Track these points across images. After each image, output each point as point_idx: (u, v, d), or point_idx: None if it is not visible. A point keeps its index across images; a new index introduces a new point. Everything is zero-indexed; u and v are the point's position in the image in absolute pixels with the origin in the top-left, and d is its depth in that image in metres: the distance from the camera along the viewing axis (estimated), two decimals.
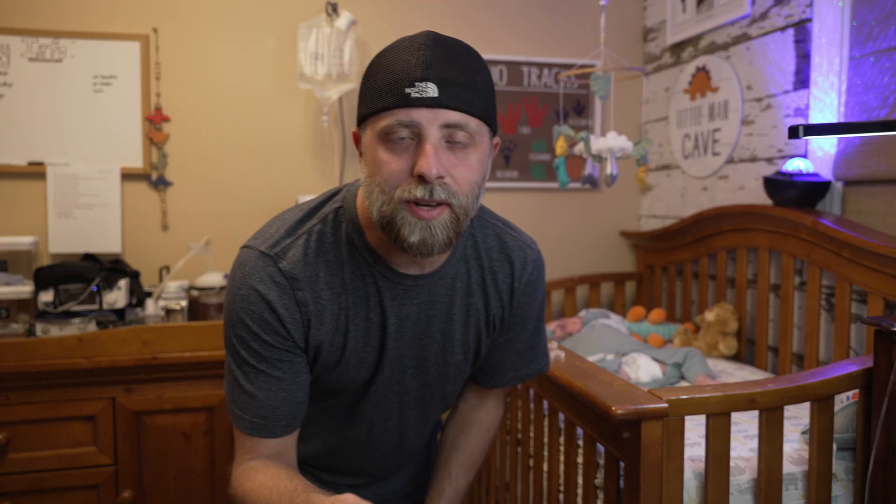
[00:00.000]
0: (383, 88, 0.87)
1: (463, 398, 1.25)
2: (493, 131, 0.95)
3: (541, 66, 2.85)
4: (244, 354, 0.97)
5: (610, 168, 1.94)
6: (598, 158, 1.97)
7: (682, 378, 2.06)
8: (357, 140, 0.97)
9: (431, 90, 0.84)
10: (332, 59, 2.41)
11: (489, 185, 2.58)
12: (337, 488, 1.12)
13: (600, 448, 1.48)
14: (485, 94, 0.90)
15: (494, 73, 2.81)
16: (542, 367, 1.21)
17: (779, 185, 2.04)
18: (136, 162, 2.47)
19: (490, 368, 1.17)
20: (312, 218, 1.01)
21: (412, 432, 1.15)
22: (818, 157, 2.03)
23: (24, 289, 2.10)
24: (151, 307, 2.18)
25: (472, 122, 0.88)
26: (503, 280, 1.08)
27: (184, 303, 2.19)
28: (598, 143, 1.93)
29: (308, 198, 2.38)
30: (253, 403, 0.98)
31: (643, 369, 2.02)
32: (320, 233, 0.99)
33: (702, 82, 2.58)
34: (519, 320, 1.13)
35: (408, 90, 0.85)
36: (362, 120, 0.92)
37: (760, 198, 2.26)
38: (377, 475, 1.20)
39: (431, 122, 0.85)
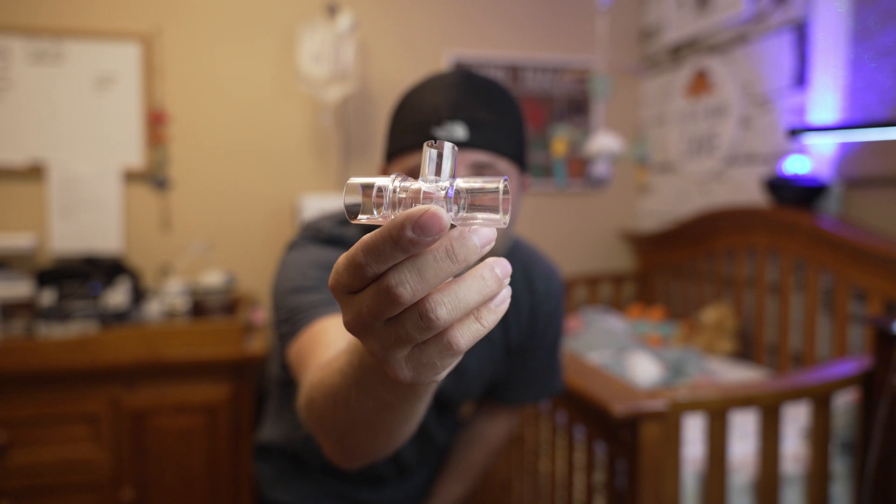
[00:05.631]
0: (411, 127, 0.87)
1: (477, 410, 1.27)
2: (523, 170, 0.95)
3: (540, 66, 2.85)
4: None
5: (604, 168, 1.95)
6: (596, 159, 1.98)
7: (681, 377, 2.06)
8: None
9: (459, 131, 0.84)
10: (332, 59, 2.41)
11: None
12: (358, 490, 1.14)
13: (599, 446, 1.48)
14: (514, 134, 0.90)
15: (493, 73, 2.81)
16: (556, 388, 1.21)
17: (778, 186, 2.04)
18: (137, 162, 2.47)
19: (505, 386, 1.18)
20: (349, 228, 1.00)
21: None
22: (818, 157, 2.03)
23: (24, 289, 2.10)
24: (152, 307, 2.18)
25: (501, 163, 0.88)
26: (525, 310, 1.09)
27: (185, 303, 2.19)
28: (594, 144, 1.94)
29: (308, 198, 2.38)
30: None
31: (642, 368, 2.02)
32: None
33: (700, 83, 2.58)
34: (538, 345, 1.14)
35: (435, 130, 0.84)
36: (389, 157, 0.92)
37: (759, 198, 2.26)
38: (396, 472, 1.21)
39: (458, 162, 0.84)
